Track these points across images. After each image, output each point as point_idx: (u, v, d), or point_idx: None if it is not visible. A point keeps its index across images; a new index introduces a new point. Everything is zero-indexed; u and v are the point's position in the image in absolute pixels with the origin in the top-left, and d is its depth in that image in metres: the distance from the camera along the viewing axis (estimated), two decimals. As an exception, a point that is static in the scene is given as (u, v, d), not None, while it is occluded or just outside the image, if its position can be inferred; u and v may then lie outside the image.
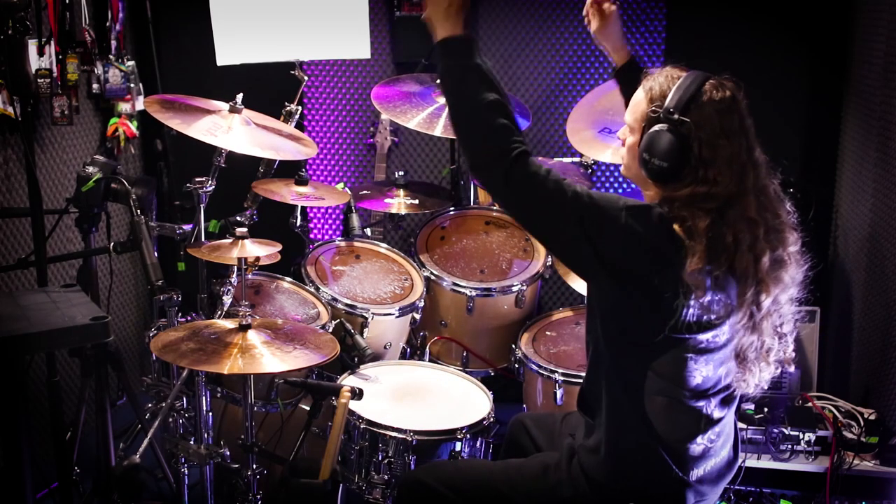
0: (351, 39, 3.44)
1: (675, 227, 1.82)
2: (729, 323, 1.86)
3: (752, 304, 1.84)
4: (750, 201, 1.84)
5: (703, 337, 1.86)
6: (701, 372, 1.92)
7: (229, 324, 2.41)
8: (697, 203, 1.82)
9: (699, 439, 1.94)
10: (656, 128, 1.87)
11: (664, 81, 1.92)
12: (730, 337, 1.89)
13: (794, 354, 1.98)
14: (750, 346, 1.88)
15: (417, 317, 3.19)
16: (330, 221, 4.39)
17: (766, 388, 1.96)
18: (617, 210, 1.83)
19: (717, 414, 1.96)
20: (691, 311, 1.81)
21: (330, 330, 2.92)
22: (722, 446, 2.01)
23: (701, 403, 1.94)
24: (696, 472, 1.95)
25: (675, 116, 1.85)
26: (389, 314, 3.09)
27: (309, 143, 2.91)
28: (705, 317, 1.83)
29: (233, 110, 2.78)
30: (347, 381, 2.76)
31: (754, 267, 1.82)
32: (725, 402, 2.00)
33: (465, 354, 3.26)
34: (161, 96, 2.79)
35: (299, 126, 3.46)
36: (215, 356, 2.24)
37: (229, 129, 2.70)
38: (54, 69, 3.16)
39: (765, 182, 1.90)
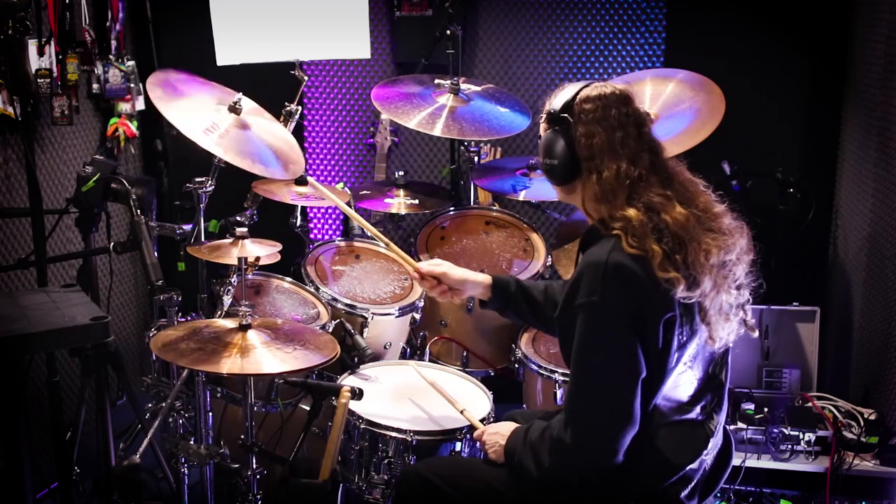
0: (351, 39, 3.44)
1: (626, 247, 1.83)
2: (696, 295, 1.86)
3: (706, 267, 1.86)
4: (653, 180, 1.91)
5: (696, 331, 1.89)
6: (695, 374, 1.96)
7: (229, 323, 2.41)
8: (607, 195, 1.89)
9: (702, 456, 1.98)
10: (545, 132, 1.98)
11: (555, 92, 2.01)
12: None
13: (754, 320, 2.01)
14: (713, 305, 1.89)
15: (417, 317, 3.19)
16: (330, 221, 4.39)
17: (730, 345, 1.98)
18: (610, 317, 1.83)
19: (718, 431, 2.01)
20: (686, 310, 1.85)
21: (330, 330, 2.92)
22: (712, 459, 2.04)
23: (703, 417, 1.98)
24: (690, 486, 1.99)
25: (557, 115, 1.94)
26: (389, 314, 3.09)
27: (297, 160, 2.84)
28: (693, 301, 1.85)
29: (232, 110, 2.77)
30: (347, 381, 2.76)
31: (691, 233, 1.85)
32: (716, 409, 2.03)
33: (465, 354, 3.26)
34: (164, 72, 2.75)
35: (299, 126, 3.46)
36: (215, 356, 2.24)
37: (226, 134, 2.68)
38: (54, 69, 3.16)
39: (670, 168, 1.96)
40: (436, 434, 2.52)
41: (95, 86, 3.60)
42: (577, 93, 1.95)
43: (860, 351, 3.29)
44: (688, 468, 1.96)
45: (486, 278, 2.36)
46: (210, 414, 2.76)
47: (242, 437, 2.53)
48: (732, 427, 2.85)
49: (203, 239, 2.77)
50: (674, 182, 1.94)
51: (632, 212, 1.86)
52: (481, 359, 3.27)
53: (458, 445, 2.51)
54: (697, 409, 1.97)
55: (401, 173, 3.54)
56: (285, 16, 3.35)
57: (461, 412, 2.48)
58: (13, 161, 3.10)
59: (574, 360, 1.89)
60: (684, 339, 1.88)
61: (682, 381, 1.94)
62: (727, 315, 1.93)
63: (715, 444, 2.02)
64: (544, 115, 2.00)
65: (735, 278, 1.94)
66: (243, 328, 2.36)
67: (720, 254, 1.89)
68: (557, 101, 1.97)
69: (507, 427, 2.15)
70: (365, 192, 3.54)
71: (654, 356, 1.85)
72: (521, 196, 3.37)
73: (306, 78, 3.32)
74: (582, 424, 1.86)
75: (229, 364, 2.22)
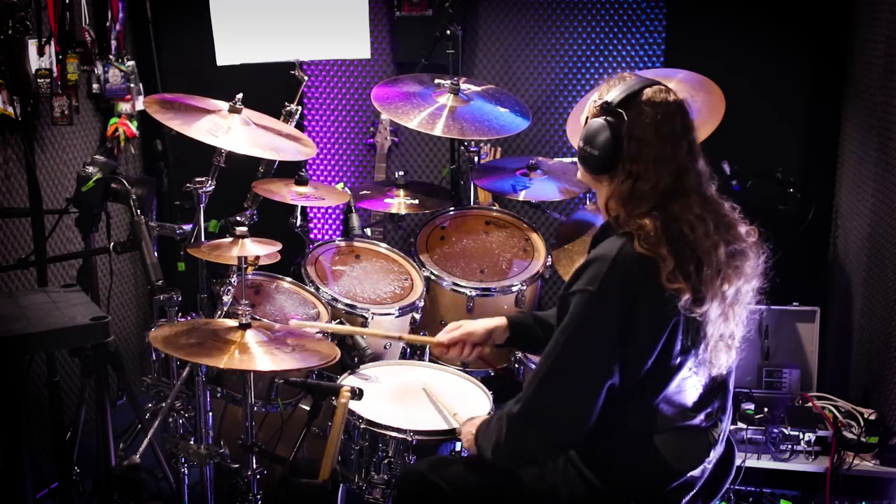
0: (351, 39, 3.44)
1: (637, 247, 1.82)
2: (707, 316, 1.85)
3: (721, 293, 1.85)
4: (693, 200, 1.88)
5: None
6: (701, 380, 1.95)
7: (229, 322, 2.41)
8: (635, 201, 1.87)
9: (704, 463, 1.98)
10: (594, 119, 1.93)
11: (615, 82, 1.95)
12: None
13: (741, 343, 1.99)
14: (719, 332, 1.89)
15: (417, 317, 3.19)
16: (330, 221, 4.39)
17: (724, 373, 1.97)
18: (599, 311, 1.83)
19: (722, 438, 2.01)
20: (689, 317, 1.84)
21: (330, 330, 2.92)
22: (713, 465, 2.04)
23: (708, 424, 1.98)
24: (692, 492, 1.99)
25: (613, 109, 1.89)
26: (389, 314, 3.09)
27: (308, 143, 2.91)
28: (697, 315, 1.84)
29: (233, 110, 2.77)
30: (347, 381, 2.76)
31: (715, 255, 1.84)
32: (721, 417, 2.03)
33: (465, 354, 3.26)
34: (161, 96, 2.79)
35: (299, 126, 3.46)
36: (214, 351, 2.24)
37: (229, 130, 2.70)
38: (54, 69, 3.16)
39: (706, 187, 1.94)
40: (436, 434, 2.52)
41: (95, 86, 3.60)
42: (640, 91, 1.89)
43: (860, 351, 3.29)
44: (689, 474, 1.95)
45: (501, 321, 2.36)
46: (210, 414, 2.76)
47: (242, 437, 2.53)
48: (732, 427, 2.85)
49: (203, 239, 2.77)
50: (709, 203, 1.91)
51: (647, 221, 1.84)
52: (481, 359, 3.27)
53: (459, 445, 2.51)
54: (702, 415, 1.97)
55: (401, 173, 3.54)
56: (285, 16, 3.35)
57: (454, 415, 2.50)
58: (13, 161, 3.10)
59: (553, 338, 1.89)
60: (689, 343, 1.86)
61: (687, 387, 1.93)
62: (729, 344, 1.92)
63: (718, 451, 2.02)
64: (598, 101, 1.93)
65: (746, 305, 1.94)
66: (243, 327, 2.36)
67: (737, 283, 1.89)
68: (617, 92, 1.90)
69: (480, 418, 2.18)
70: (365, 192, 3.54)
71: (640, 358, 1.84)
72: (521, 196, 3.37)
73: (306, 78, 3.32)
74: (533, 401, 1.89)
75: (227, 358, 2.22)
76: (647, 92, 1.89)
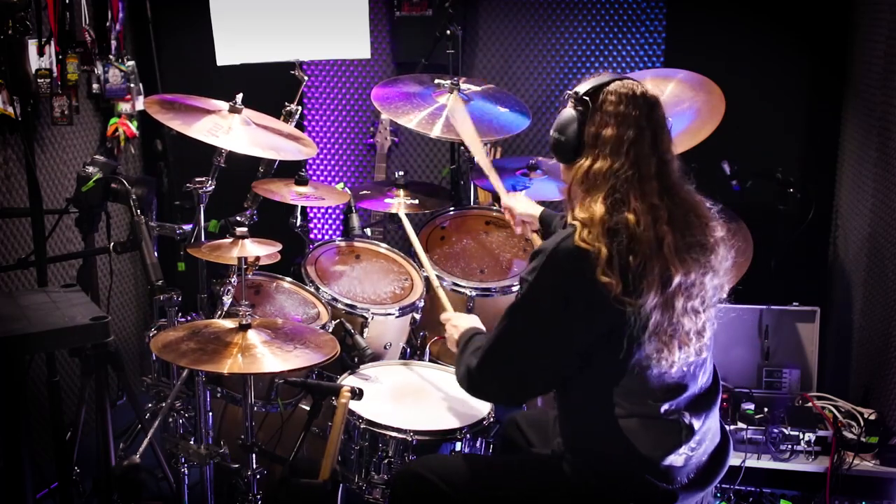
0: (351, 39, 3.44)
1: (576, 241, 1.85)
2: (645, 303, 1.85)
3: (660, 282, 1.85)
4: (652, 187, 1.91)
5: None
6: (663, 373, 1.93)
7: (229, 323, 2.41)
8: (589, 182, 1.92)
9: (681, 450, 1.97)
10: (565, 110, 2.03)
11: (590, 78, 2.03)
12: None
13: (710, 343, 2.00)
14: (664, 323, 1.88)
15: (417, 317, 3.19)
16: (330, 221, 4.39)
17: (685, 369, 1.95)
18: (536, 300, 1.93)
19: (696, 424, 1.99)
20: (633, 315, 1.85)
21: (330, 330, 2.92)
22: (704, 452, 2.03)
23: (674, 416, 1.97)
24: (681, 480, 1.98)
25: (581, 98, 1.98)
26: (389, 314, 3.09)
27: (309, 143, 2.91)
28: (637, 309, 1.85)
29: (233, 110, 2.78)
30: (347, 381, 2.76)
31: (657, 245, 1.85)
32: (701, 409, 2.01)
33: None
34: (161, 96, 2.79)
35: (299, 126, 3.46)
36: (216, 356, 2.24)
37: (229, 130, 2.70)
38: (54, 69, 3.16)
39: (674, 180, 1.96)
40: (436, 434, 2.52)
41: (95, 86, 3.60)
42: (607, 83, 1.96)
43: (860, 351, 3.29)
44: (668, 463, 1.94)
45: (537, 211, 2.75)
46: (210, 414, 2.76)
47: (242, 437, 2.53)
48: (732, 427, 2.85)
49: (203, 239, 2.77)
50: (673, 195, 1.93)
51: (596, 207, 1.87)
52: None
53: (458, 445, 2.51)
54: (667, 405, 1.95)
55: (401, 173, 3.54)
56: (285, 16, 3.35)
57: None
58: (13, 161, 3.10)
59: (503, 314, 1.99)
60: (636, 335, 1.85)
61: (647, 378, 1.91)
62: (686, 338, 1.91)
63: (701, 440, 2.00)
64: (572, 94, 2.02)
65: (704, 301, 1.93)
66: (243, 328, 2.36)
67: (691, 275, 1.89)
68: (586, 84, 1.99)
69: (466, 323, 2.29)
70: (365, 192, 3.54)
71: (583, 347, 1.89)
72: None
73: (306, 78, 3.32)
74: (484, 365, 2.00)
75: (230, 364, 2.22)
76: (615, 84, 1.97)
